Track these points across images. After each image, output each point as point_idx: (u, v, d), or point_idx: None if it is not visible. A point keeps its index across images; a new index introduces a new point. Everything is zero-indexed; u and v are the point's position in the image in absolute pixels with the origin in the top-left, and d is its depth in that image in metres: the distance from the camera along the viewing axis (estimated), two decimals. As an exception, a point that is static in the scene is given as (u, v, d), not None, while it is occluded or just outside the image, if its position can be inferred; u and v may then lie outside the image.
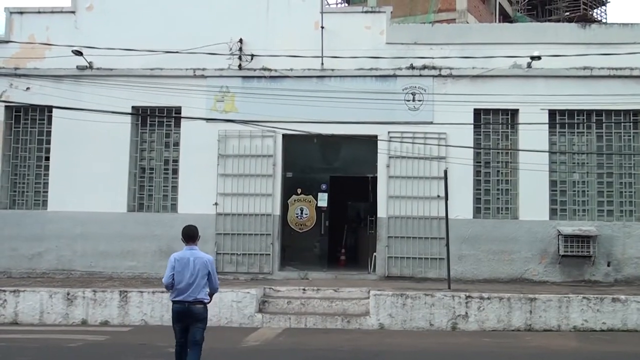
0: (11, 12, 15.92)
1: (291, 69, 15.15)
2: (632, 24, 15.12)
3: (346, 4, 33.39)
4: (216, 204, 15.17)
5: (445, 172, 13.87)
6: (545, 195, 14.85)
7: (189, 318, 7.65)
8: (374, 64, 15.07)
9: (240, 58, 15.25)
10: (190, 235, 7.87)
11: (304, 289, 13.37)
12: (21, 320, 12.88)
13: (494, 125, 15.34)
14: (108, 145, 15.34)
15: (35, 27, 15.80)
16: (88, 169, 15.33)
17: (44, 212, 15.58)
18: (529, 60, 14.70)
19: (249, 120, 14.69)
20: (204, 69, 15.35)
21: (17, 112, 16.00)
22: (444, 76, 15.06)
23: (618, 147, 15.17)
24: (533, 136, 14.64)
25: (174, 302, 7.72)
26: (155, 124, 15.81)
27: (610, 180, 15.09)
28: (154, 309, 12.76)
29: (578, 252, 14.40)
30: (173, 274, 7.64)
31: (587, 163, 15.19)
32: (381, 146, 14.98)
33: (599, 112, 15.06)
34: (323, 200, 15.73)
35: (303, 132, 14.53)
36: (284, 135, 15.15)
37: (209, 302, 7.86)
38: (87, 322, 12.77)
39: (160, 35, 15.23)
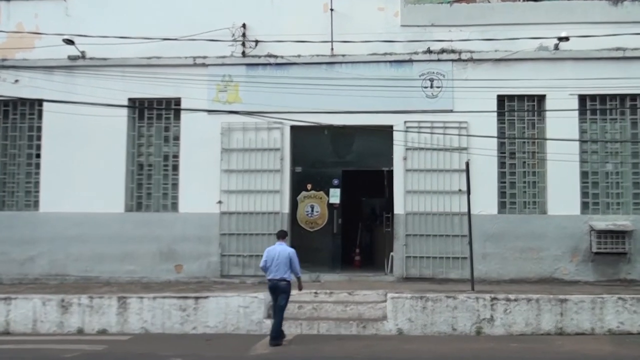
0: (-3, 0, 15.99)
1: (299, 55, 15.15)
2: (668, -1, 15.01)
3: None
4: (220, 202, 15.21)
5: (467, 164, 13.80)
6: (575, 187, 14.78)
7: (277, 290, 11.43)
8: (388, 48, 15.04)
9: (243, 44, 15.26)
10: (280, 235, 12.06)
11: (315, 293, 13.38)
12: (13, 330, 12.96)
13: (519, 113, 15.26)
14: (103, 140, 15.39)
15: (23, 15, 15.86)
16: (82, 166, 15.40)
17: (35, 213, 15.65)
18: (556, 41, 14.63)
19: (254, 112, 14.68)
20: (204, 57, 15.36)
21: (6, 107, 16.07)
22: (464, 60, 15.01)
23: (655, 134, 15.10)
24: (562, 124, 14.50)
25: (268, 280, 11.50)
26: (154, 117, 15.84)
27: (647, 170, 15.04)
28: (155, 315, 12.81)
29: (612, 248, 14.31)
30: (266, 260, 11.52)
31: (621, 152, 15.07)
32: (397, 137, 14.96)
33: (633, 97, 14.95)
34: (335, 196, 15.73)
35: (312, 123, 14.49)
36: (292, 127, 15.16)
37: (294, 279, 11.61)
38: (83, 331, 12.83)
39: (158, 22, 15.28)
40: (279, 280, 11.44)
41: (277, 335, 11.49)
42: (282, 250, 11.61)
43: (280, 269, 11.44)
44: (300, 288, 11.85)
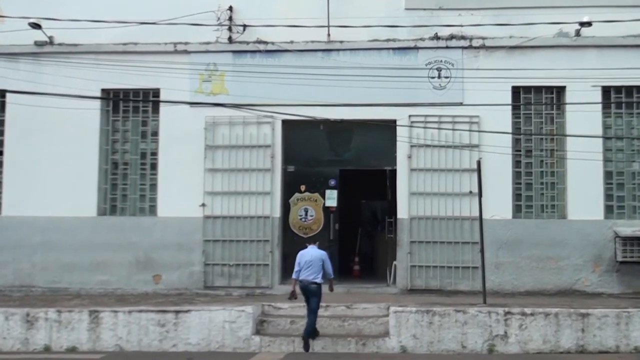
0: (-46, -22, 15.90)
1: (292, 42, 15.13)
2: (702, -20, 14.99)
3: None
4: (203, 204, 15.19)
5: (479, 163, 13.77)
6: (598, 189, 14.79)
7: (308, 292, 12.31)
8: (391, 34, 15.03)
9: (230, 29, 15.23)
10: (311, 240, 13.69)
11: (310, 306, 13.32)
12: (-28, 347, 12.88)
13: (536, 106, 15.26)
14: (73, 136, 15.33)
15: (-17, -5, 15.78)
16: (50, 165, 15.34)
17: (-3, 217, 15.62)
18: (577, 27, 14.63)
19: (242, 104, 14.59)
20: (186, 43, 15.35)
21: (-36, 98, 16.00)
22: (475, 47, 15.02)
23: (687, 130, 15.10)
24: (583, 118, 14.52)
25: (299, 280, 12.44)
26: (130, 110, 15.79)
27: (678, 170, 15.03)
28: (131, 331, 12.69)
29: (639, 257, 14.29)
30: (299, 263, 12.53)
31: (650, 150, 15.12)
32: (401, 133, 14.94)
33: (663, 89, 14.99)
34: (332, 198, 15.72)
35: (307, 117, 14.43)
36: (284, 121, 15.14)
37: (325, 282, 12.57)
38: (50, 349, 12.69)
39: (134, 4, 15.25)
40: (309, 283, 12.29)
41: (307, 336, 12.28)
42: (315, 252, 12.57)
43: (312, 271, 12.33)
44: (331, 289, 12.84)
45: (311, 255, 12.52)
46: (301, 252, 12.75)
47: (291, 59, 15.08)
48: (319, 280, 12.34)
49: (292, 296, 12.59)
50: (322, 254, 12.60)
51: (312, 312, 12.33)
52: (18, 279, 15.35)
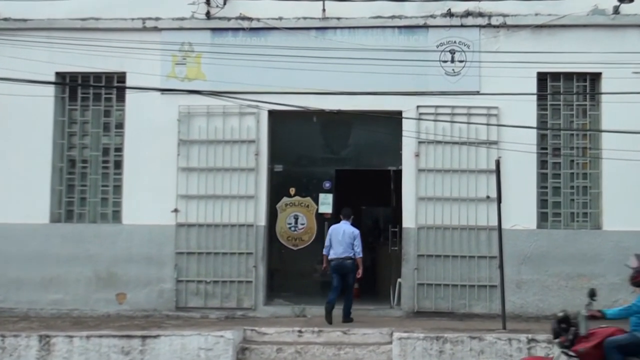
0: None
1: (280, 18, 15.16)
2: None
3: None
4: (176, 210, 15.15)
5: (498, 162, 13.75)
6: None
7: (343, 269, 13.92)
8: (397, 9, 15.04)
9: (208, 3, 15.21)
10: (345, 214, 14.33)
11: (300, 331, 13.29)
12: None
13: (567, 96, 15.26)
14: (22, 128, 15.27)
15: None
16: (-6, 162, 15.29)
17: None
18: (616, 3, 14.58)
19: (222, 91, 14.60)
20: (157, 19, 15.39)
21: None
22: (495, 26, 15.02)
23: None
24: (622, 110, 14.41)
25: (331, 259, 13.98)
26: (90, 98, 15.76)
27: None
28: (89, 360, 12.58)
29: (688, 275, 14.18)
30: (330, 239, 14.05)
31: (702, 148, 15.04)
32: (407, 126, 14.92)
33: None
34: (326, 204, 15.80)
35: (297, 108, 14.34)
36: (270, 112, 15.08)
37: (357, 258, 14.04)
38: (-7, 380, 12.63)
39: (95, -28, 15.28)
40: (344, 259, 13.90)
41: (347, 317, 14.00)
42: (347, 228, 14.07)
43: (345, 247, 13.89)
44: (359, 274, 14.13)
45: (343, 232, 13.97)
46: (333, 227, 14.26)
47: (279, 38, 15.07)
48: (353, 256, 13.93)
49: (325, 271, 14.34)
50: (355, 231, 14.02)
51: (350, 289, 14.02)
52: (-45, 297, 15.37)
